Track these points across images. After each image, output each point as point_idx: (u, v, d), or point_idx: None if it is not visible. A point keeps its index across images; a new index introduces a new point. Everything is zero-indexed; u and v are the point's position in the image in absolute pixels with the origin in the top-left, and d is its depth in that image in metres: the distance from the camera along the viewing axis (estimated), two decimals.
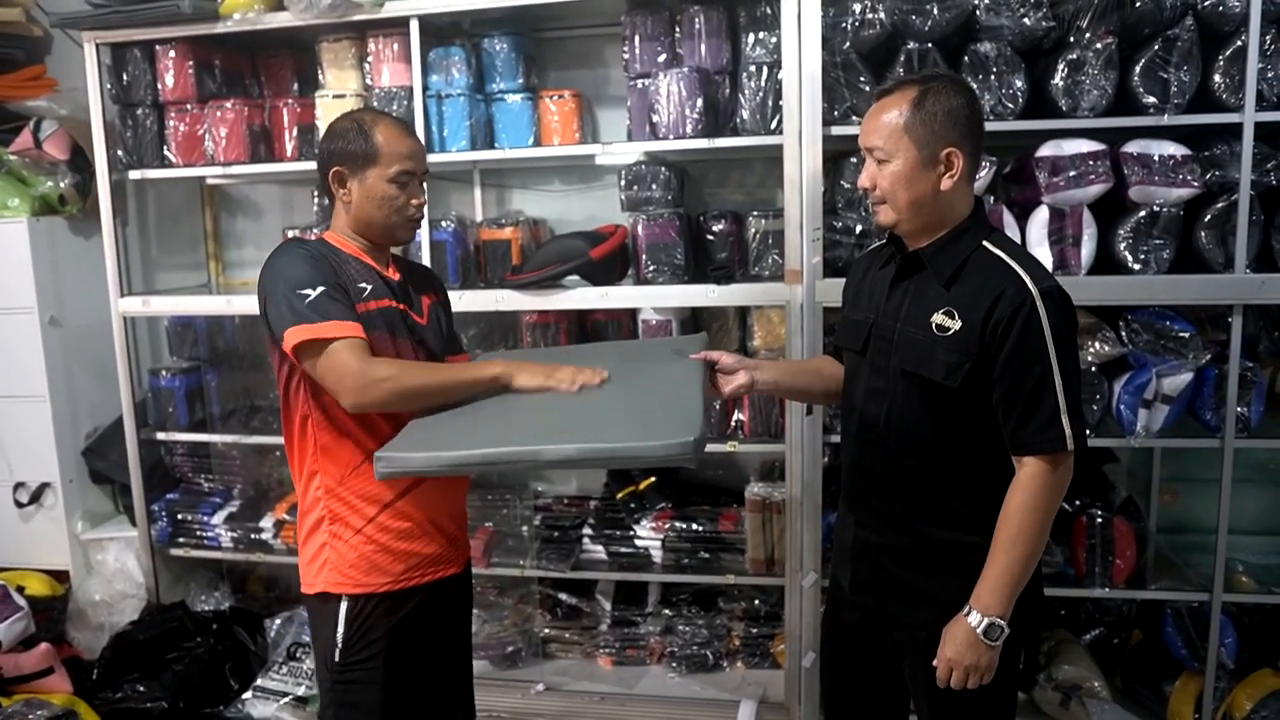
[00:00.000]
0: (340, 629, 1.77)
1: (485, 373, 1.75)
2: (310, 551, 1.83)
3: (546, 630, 3.16)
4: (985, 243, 1.63)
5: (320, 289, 1.68)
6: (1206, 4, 2.38)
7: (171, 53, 2.97)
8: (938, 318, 1.61)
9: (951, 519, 1.67)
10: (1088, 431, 2.39)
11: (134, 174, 3.10)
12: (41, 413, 3.23)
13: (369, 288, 1.78)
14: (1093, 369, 2.55)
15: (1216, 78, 2.39)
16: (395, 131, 1.79)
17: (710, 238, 2.82)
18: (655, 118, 2.71)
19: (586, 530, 3.04)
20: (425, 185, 1.86)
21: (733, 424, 2.88)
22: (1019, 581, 1.60)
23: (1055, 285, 1.58)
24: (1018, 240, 2.50)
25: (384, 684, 1.78)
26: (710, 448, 2.86)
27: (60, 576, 3.33)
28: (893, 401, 1.69)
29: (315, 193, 3.25)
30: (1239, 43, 2.36)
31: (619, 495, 3.06)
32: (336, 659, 1.77)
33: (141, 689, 2.91)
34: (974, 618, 1.59)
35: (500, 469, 1.60)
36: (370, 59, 2.91)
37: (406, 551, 1.81)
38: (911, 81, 1.62)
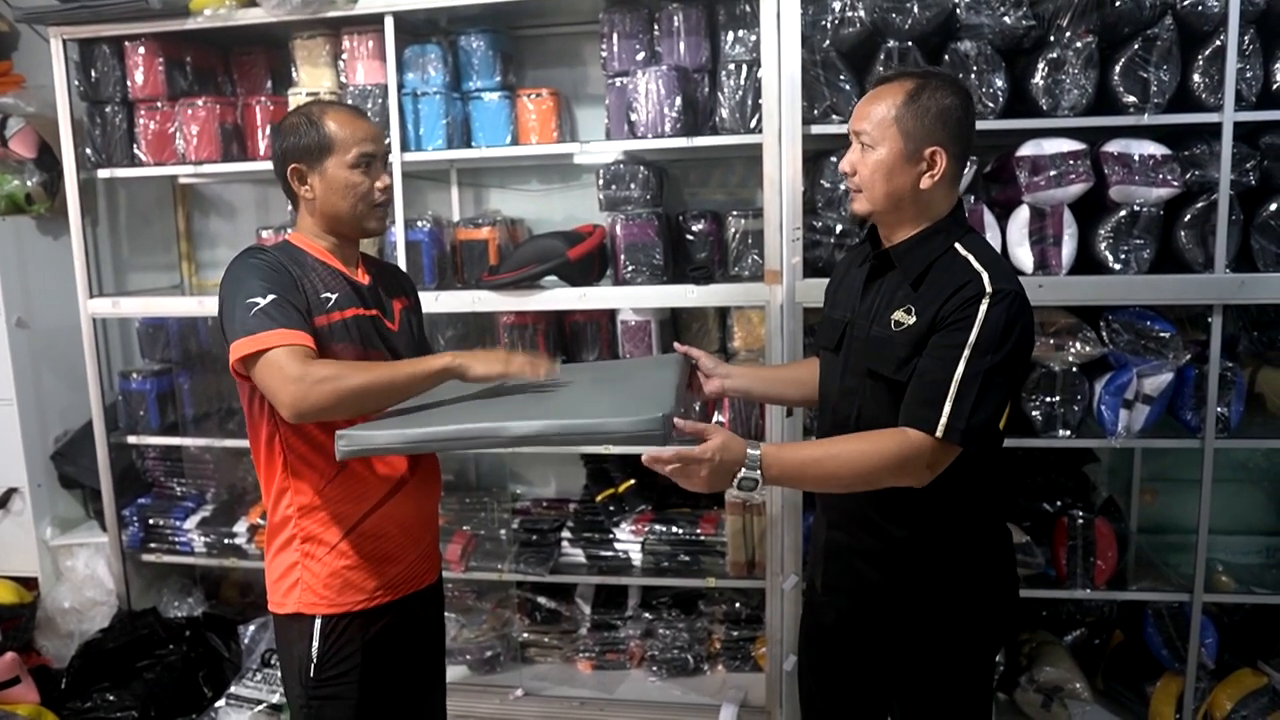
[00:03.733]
0: (315, 644, 1.72)
1: (434, 364, 1.62)
2: (279, 569, 1.78)
3: (525, 635, 3.12)
4: (957, 244, 1.60)
5: (270, 297, 1.61)
6: (1186, 3, 2.38)
7: (141, 49, 2.92)
8: (897, 314, 1.60)
9: (921, 520, 1.64)
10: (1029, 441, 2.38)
11: (103, 173, 3.04)
12: (9, 416, 3.17)
13: (334, 297, 1.71)
14: (1073, 369, 2.55)
15: (1196, 77, 2.39)
16: (345, 116, 1.73)
17: (689, 238, 2.80)
18: (634, 116, 2.68)
19: (565, 533, 3.01)
20: (388, 168, 1.80)
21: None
22: (800, 481, 1.60)
23: (1011, 290, 1.52)
24: (998, 240, 2.51)
25: (359, 699, 1.74)
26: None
27: (28, 583, 3.28)
28: (863, 402, 1.67)
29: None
30: (1218, 42, 2.36)
31: (598, 498, 3.03)
32: (311, 674, 1.72)
33: (111, 698, 2.85)
34: (749, 467, 1.47)
35: (465, 446, 1.55)
36: (344, 56, 2.87)
37: (381, 567, 1.77)
38: (911, 74, 1.60)
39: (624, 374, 1.87)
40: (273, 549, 1.79)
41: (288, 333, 1.58)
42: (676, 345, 1.93)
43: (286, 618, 1.77)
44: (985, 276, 1.53)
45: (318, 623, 1.73)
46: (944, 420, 1.50)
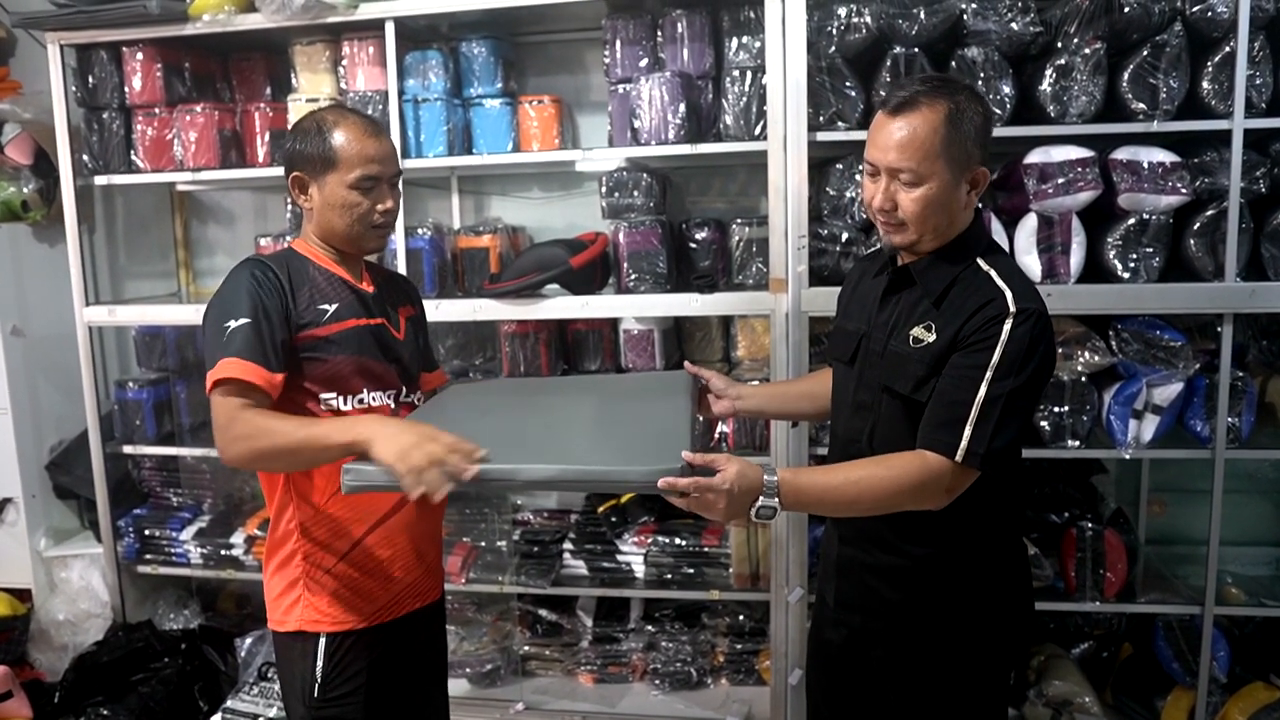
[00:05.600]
0: (319, 663, 1.68)
1: (344, 438, 1.48)
2: (280, 586, 1.74)
3: (526, 648, 3.08)
4: (979, 260, 1.56)
5: (243, 321, 1.57)
6: (1195, 10, 2.35)
7: (139, 55, 2.89)
8: (917, 331, 1.56)
9: (935, 537, 1.61)
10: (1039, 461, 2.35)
11: (100, 179, 3.01)
12: (3, 425, 3.13)
13: (332, 308, 1.67)
14: (1082, 379, 2.52)
15: (1205, 84, 2.37)
16: (357, 132, 1.65)
17: (693, 246, 2.77)
18: (637, 123, 2.65)
19: (567, 545, 2.97)
20: (398, 188, 1.74)
21: (716, 436, 2.82)
22: (818, 508, 1.54)
23: (1035, 310, 1.49)
24: (1005, 248, 2.47)
25: (364, 719, 1.70)
26: None
27: (22, 595, 3.23)
28: (877, 417, 1.63)
29: (288, 200, 3.17)
30: (1227, 49, 2.34)
31: (600, 509, 2.99)
32: (315, 694, 1.68)
33: (105, 713, 2.81)
34: (767, 495, 1.43)
35: (475, 487, 1.52)
36: (344, 62, 2.85)
37: (386, 583, 1.73)
38: (934, 93, 1.50)
39: (634, 403, 1.82)
40: (273, 565, 1.75)
41: (246, 365, 1.54)
42: (687, 365, 1.90)
43: (288, 635, 1.72)
44: (1009, 295, 1.49)
45: (322, 641, 1.69)
46: (964, 445, 1.46)
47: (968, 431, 1.46)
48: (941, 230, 1.56)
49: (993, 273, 1.54)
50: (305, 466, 1.60)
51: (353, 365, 1.66)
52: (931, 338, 1.54)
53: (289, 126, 2.84)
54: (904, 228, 1.55)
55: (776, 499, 1.44)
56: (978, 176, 1.54)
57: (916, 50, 2.44)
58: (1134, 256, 2.43)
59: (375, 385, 1.70)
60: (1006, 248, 2.49)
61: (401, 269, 2.77)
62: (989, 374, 1.46)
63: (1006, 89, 2.43)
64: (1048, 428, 2.53)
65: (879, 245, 1.76)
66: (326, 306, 1.67)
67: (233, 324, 1.57)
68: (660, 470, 1.39)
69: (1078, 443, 2.54)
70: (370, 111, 2.77)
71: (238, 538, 3.12)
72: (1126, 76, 2.38)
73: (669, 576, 2.86)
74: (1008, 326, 1.47)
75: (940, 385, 1.51)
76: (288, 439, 1.51)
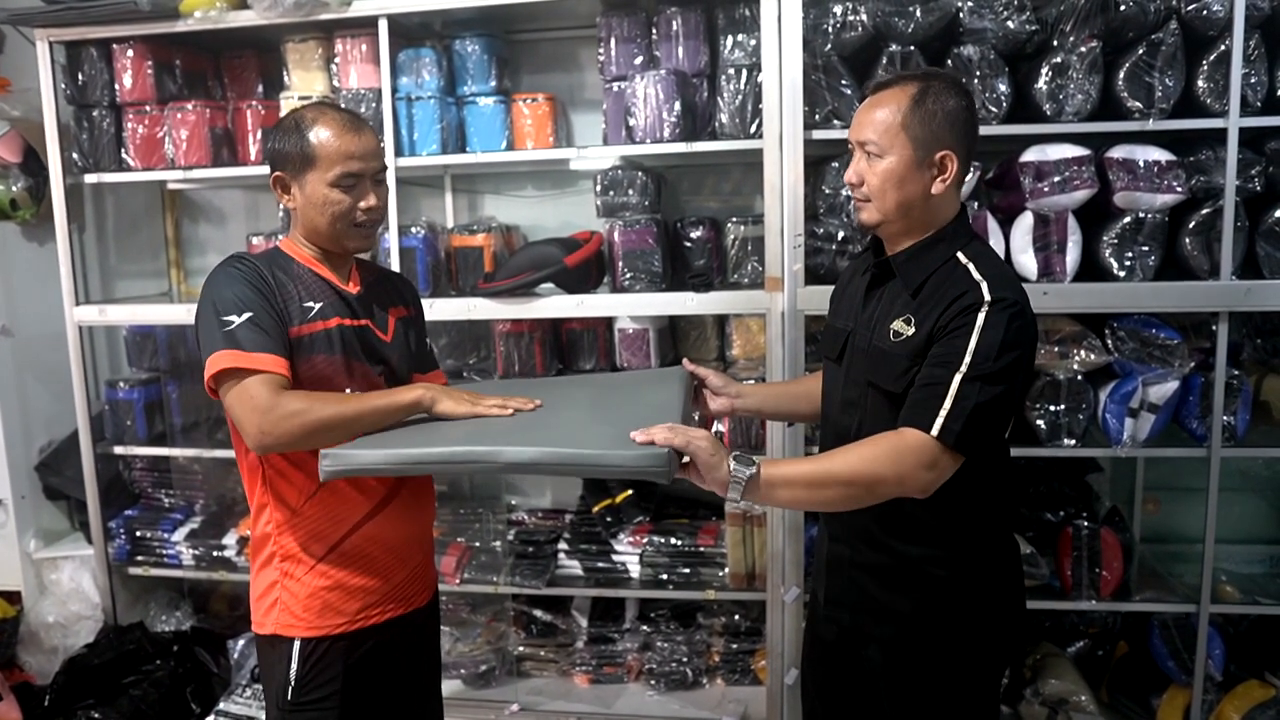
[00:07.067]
0: (293, 666, 1.66)
1: (404, 398, 1.58)
2: (260, 588, 1.72)
3: (521, 648, 3.07)
4: (959, 253, 1.57)
5: (245, 315, 1.56)
6: (1190, 8, 2.35)
7: (129, 52, 2.87)
8: (896, 324, 1.57)
9: (922, 535, 1.60)
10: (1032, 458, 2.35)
11: (90, 178, 2.98)
12: None
13: (316, 306, 1.65)
14: (1078, 377, 2.51)
15: (1200, 83, 2.37)
16: (336, 128, 1.62)
17: (688, 244, 2.76)
18: (631, 121, 2.64)
19: (562, 545, 2.96)
20: (384, 185, 1.71)
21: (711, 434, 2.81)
22: (798, 487, 1.48)
23: (1011, 298, 1.49)
24: (1002, 247, 2.47)
25: None
26: None
27: (11, 597, 3.21)
28: (864, 413, 1.63)
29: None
30: (1223, 47, 2.34)
31: (595, 509, 2.98)
32: (289, 697, 1.66)
33: (97, 716, 2.79)
34: (741, 467, 1.43)
35: (457, 469, 1.50)
36: (337, 60, 2.83)
37: (365, 587, 1.70)
38: (911, 77, 1.57)
39: (627, 394, 1.81)
40: (255, 566, 1.74)
41: (261, 357, 1.54)
42: (685, 362, 1.89)
43: (266, 638, 1.71)
44: (984, 286, 1.50)
45: (296, 645, 1.67)
46: (940, 421, 1.45)
47: (944, 408, 1.46)
48: (906, 211, 1.57)
49: (970, 266, 1.55)
50: (356, 435, 1.56)
51: (334, 364, 1.64)
52: (910, 330, 1.55)
53: None
54: (869, 203, 1.58)
55: (751, 468, 1.43)
56: (945, 160, 1.54)
57: (912, 48, 2.44)
58: (1130, 255, 2.43)
59: (359, 385, 1.68)
60: (1003, 246, 2.48)
61: (395, 268, 2.75)
62: (967, 358, 1.46)
63: (1002, 87, 2.43)
64: (1044, 426, 2.53)
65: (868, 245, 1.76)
66: (312, 304, 1.65)
67: (235, 319, 1.55)
68: (646, 455, 1.39)
69: (1073, 441, 2.53)
70: (363, 110, 2.77)
71: (230, 539, 3.10)
72: (1122, 75, 2.38)
73: (664, 576, 2.85)
74: (983, 315, 1.47)
75: (921, 373, 1.52)
76: (344, 409, 1.54)
